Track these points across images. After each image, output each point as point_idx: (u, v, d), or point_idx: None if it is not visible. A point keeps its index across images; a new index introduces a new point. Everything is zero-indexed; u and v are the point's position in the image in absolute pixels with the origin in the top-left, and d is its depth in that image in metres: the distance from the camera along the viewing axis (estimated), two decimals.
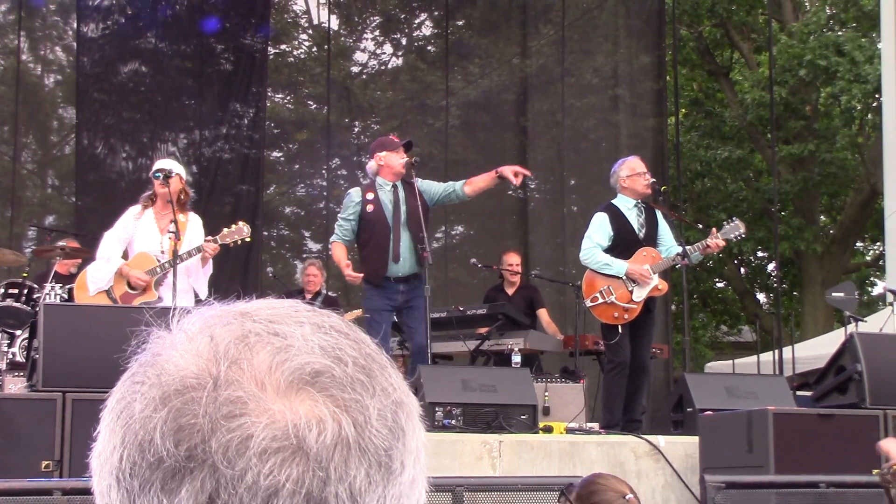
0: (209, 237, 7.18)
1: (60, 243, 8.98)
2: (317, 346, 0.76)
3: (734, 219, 8.12)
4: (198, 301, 7.16)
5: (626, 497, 3.05)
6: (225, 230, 7.27)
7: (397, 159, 7.42)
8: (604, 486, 3.10)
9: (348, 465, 0.73)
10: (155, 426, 0.73)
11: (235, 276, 11.38)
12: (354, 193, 7.60)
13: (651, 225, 7.82)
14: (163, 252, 7.08)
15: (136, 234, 7.21)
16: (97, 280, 7.17)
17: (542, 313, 10.04)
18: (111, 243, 7.21)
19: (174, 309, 0.81)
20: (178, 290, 6.91)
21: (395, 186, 7.46)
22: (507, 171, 7.49)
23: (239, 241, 7.31)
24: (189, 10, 12.69)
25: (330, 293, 10.46)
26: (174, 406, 0.73)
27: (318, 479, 0.72)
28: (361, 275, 7.37)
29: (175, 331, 0.79)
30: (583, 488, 3.14)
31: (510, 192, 14.53)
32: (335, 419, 0.73)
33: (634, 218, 7.77)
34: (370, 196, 7.44)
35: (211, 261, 7.22)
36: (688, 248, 7.68)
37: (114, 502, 0.75)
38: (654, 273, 7.64)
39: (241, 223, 7.32)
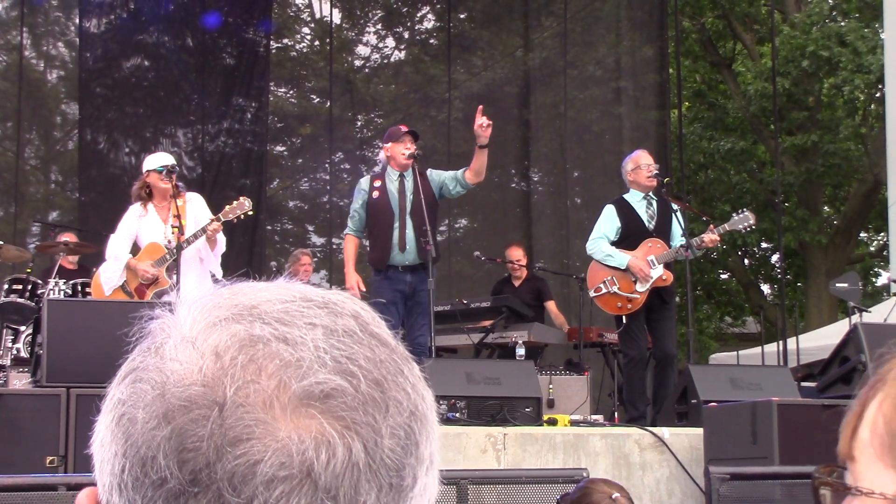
0: (213, 216, 7.21)
1: (64, 239, 8.98)
2: (328, 359, 0.73)
3: (744, 210, 8.18)
4: (215, 282, 7.19)
5: (613, 497, 3.14)
6: (227, 207, 7.29)
7: (401, 150, 7.52)
8: (592, 489, 3.20)
9: (358, 491, 0.71)
10: (158, 445, 0.71)
11: (239, 270, 11.38)
12: (364, 182, 7.75)
13: (663, 217, 7.86)
14: (169, 242, 7.13)
15: (140, 229, 7.26)
16: (109, 279, 7.27)
17: (551, 305, 10.04)
18: (118, 241, 7.29)
19: (174, 304, 0.78)
20: (194, 278, 7.01)
21: (401, 176, 7.57)
22: (478, 130, 7.59)
23: (241, 216, 7.32)
24: (191, 5, 12.69)
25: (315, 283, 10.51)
26: (178, 426, 0.71)
27: None
28: (362, 288, 7.47)
29: (178, 325, 0.76)
30: (576, 492, 3.24)
31: (513, 185, 14.53)
32: (345, 444, 0.71)
33: (644, 210, 7.84)
34: (377, 184, 7.59)
35: (221, 240, 7.24)
36: (692, 240, 7.73)
37: None
38: (658, 263, 7.68)
39: (241, 198, 7.34)
